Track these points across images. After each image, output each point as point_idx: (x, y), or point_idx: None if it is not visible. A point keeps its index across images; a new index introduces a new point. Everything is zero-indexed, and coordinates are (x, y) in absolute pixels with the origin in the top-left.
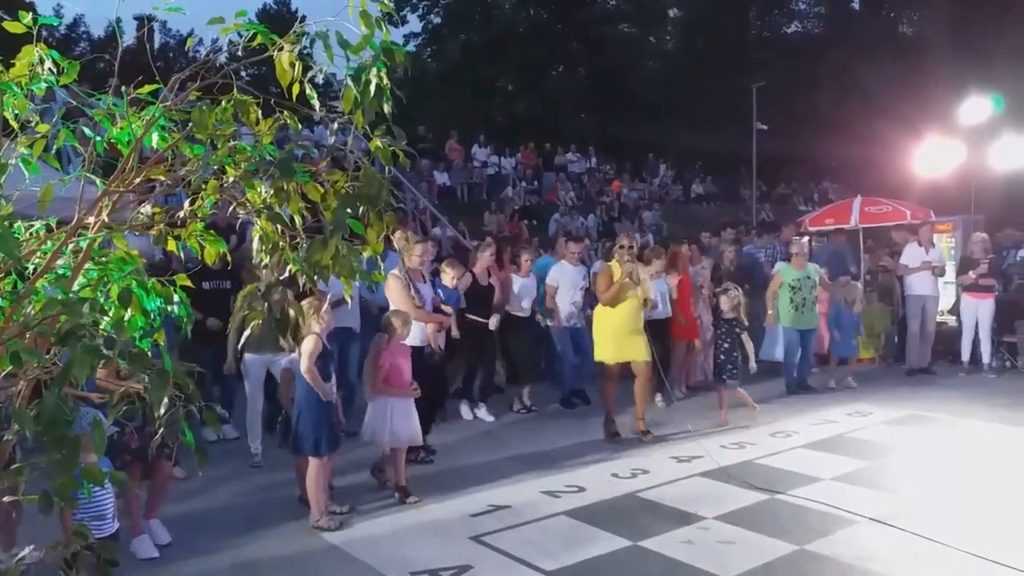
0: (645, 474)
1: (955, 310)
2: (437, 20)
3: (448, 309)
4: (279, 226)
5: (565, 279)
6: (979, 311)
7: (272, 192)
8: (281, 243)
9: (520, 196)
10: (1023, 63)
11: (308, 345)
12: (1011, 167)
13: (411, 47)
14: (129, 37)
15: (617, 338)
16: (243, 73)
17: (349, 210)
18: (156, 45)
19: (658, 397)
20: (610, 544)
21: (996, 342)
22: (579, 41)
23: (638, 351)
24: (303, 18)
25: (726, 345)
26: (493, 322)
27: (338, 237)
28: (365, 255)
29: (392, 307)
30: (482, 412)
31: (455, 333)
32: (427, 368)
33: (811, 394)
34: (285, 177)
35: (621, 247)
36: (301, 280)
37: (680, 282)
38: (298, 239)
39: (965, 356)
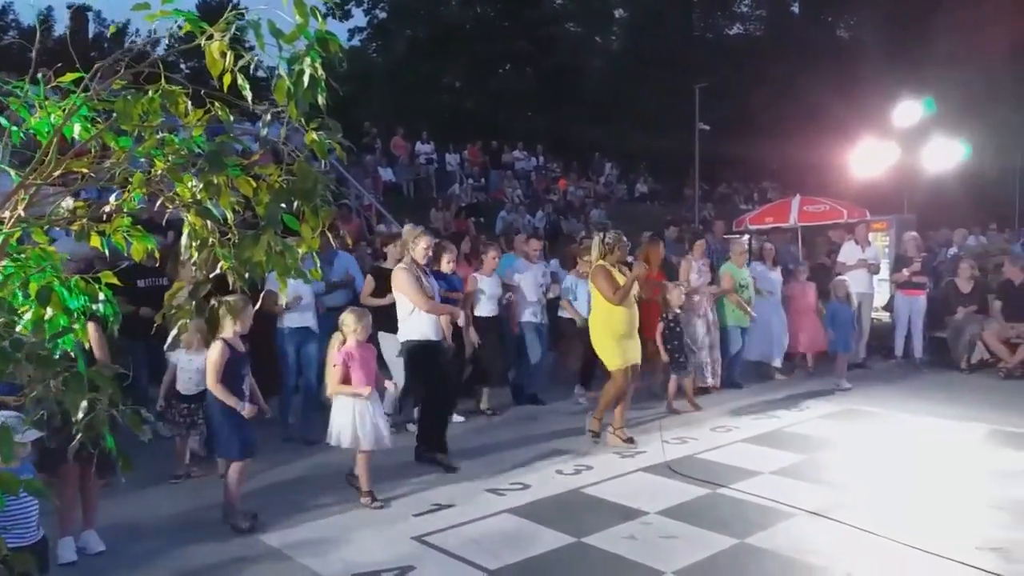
0: (589, 470)
1: (889, 307)
2: (383, 15)
3: (457, 296)
4: (209, 222)
5: (528, 277)
6: (912, 308)
7: (201, 186)
8: (211, 239)
9: (467, 193)
10: (953, 69)
11: (213, 354)
12: (941, 168)
13: (356, 42)
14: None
15: (623, 341)
16: (183, 65)
17: (284, 205)
18: (90, 35)
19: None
20: (554, 541)
21: (928, 337)
22: (526, 39)
23: (637, 353)
24: (234, 5)
25: (675, 340)
26: (463, 321)
27: (270, 233)
28: (301, 251)
29: (399, 303)
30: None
31: (461, 322)
32: (444, 363)
33: (739, 389)
34: (215, 171)
35: (606, 244)
36: (231, 279)
37: (656, 280)
38: (230, 235)
39: (898, 351)
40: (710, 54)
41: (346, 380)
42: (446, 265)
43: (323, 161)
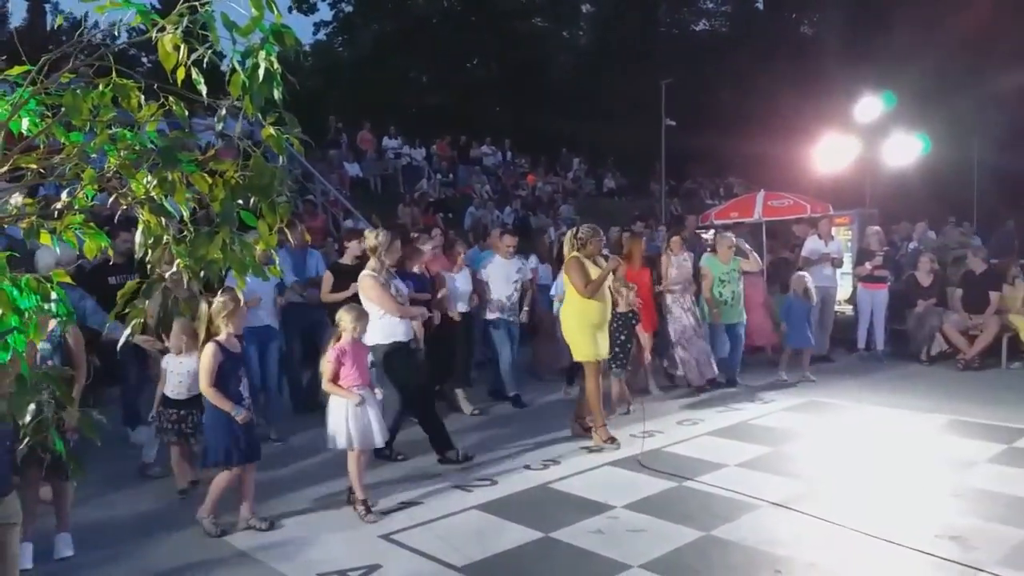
0: (556, 465)
1: (852, 300)
2: (349, 9)
3: (426, 297)
4: (164, 219)
5: (499, 273)
6: (874, 301)
7: (155, 183)
8: (166, 237)
9: (435, 188)
10: (913, 64)
11: (206, 357)
12: (901, 163)
13: (321, 36)
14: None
15: (595, 333)
16: (145, 59)
17: (241, 201)
18: (49, 27)
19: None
20: (521, 537)
21: (889, 330)
22: (493, 34)
23: (607, 347)
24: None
25: (622, 337)
26: (436, 318)
27: (226, 230)
28: (259, 248)
29: (368, 308)
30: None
31: (436, 320)
32: (416, 364)
33: (739, 388)
34: (168, 166)
35: (578, 238)
36: (185, 277)
37: (639, 275)
38: (186, 232)
39: (861, 343)
40: (676, 50)
41: (338, 377)
42: (415, 266)
43: (283, 156)
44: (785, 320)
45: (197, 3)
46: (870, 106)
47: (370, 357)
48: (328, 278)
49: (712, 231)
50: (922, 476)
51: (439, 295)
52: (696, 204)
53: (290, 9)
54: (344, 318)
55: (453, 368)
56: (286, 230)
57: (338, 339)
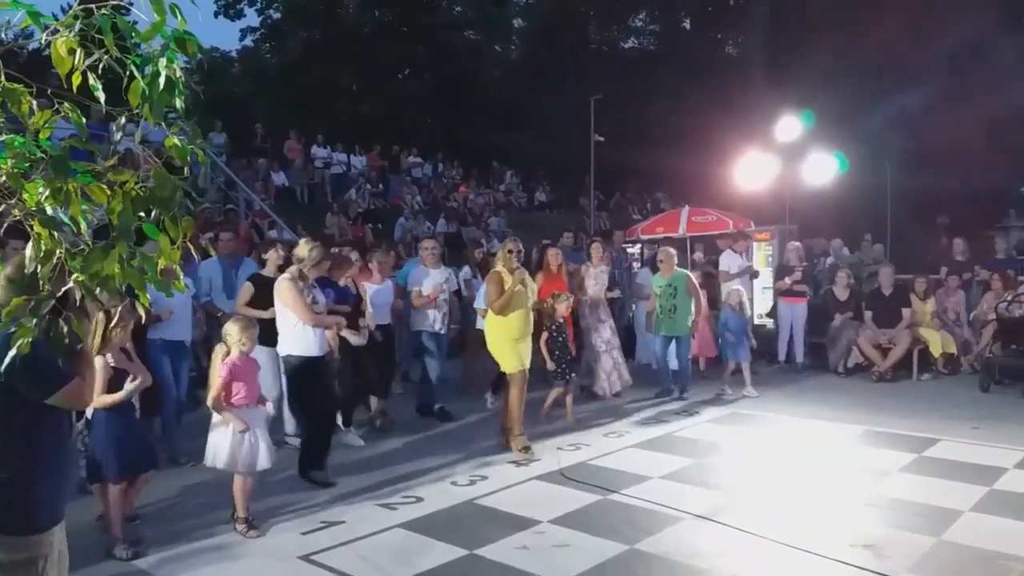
0: (484, 480)
1: (773, 313)
2: (276, 16)
3: (346, 309)
4: (55, 232)
5: (426, 283)
6: (794, 314)
7: (48, 193)
8: (58, 251)
9: (364, 199)
10: (831, 86)
11: (99, 373)
12: (820, 181)
13: (248, 42)
14: None
15: (516, 344)
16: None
17: (143, 214)
18: None
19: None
20: (445, 555)
21: (808, 343)
22: (425, 45)
23: (525, 359)
24: (81, 0)
25: (557, 351)
26: (364, 334)
27: (123, 244)
28: (161, 264)
29: (282, 315)
30: (351, 438)
31: (354, 340)
32: (328, 379)
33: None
34: (61, 176)
35: (509, 252)
36: (77, 293)
37: (555, 286)
38: (82, 247)
39: (781, 356)
40: (606, 66)
41: (228, 394)
42: (342, 278)
43: (205, 164)
44: (723, 334)
45: (94, 6)
46: (790, 125)
47: (282, 366)
48: (248, 289)
49: (639, 245)
50: (839, 486)
51: (369, 308)
52: (625, 219)
53: (215, 14)
54: (231, 330)
55: (384, 381)
56: (189, 245)
57: (227, 353)
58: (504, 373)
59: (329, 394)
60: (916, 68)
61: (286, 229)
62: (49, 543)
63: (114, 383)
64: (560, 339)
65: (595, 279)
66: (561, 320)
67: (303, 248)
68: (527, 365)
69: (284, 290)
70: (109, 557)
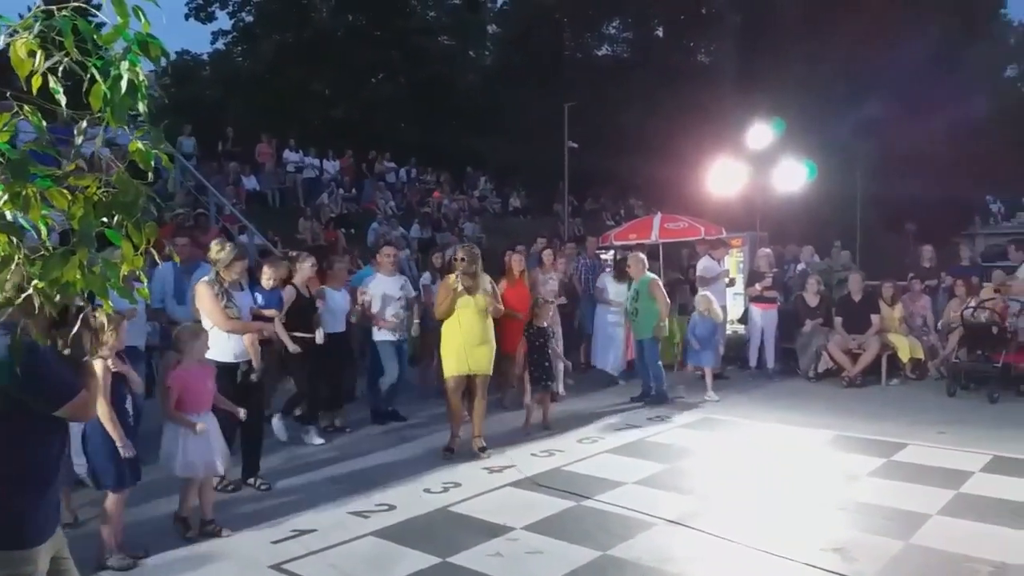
0: (457, 487)
1: (744, 319)
2: (249, 19)
3: (271, 313)
4: (14, 238)
5: (380, 290)
6: (765, 320)
7: (7, 197)
8: (17, 257)
9: (337, 203)
10: (801, 94)
11: (101, 377)
12: (790, 188)
13: (220, 45)
14: None
15: (460, 350)
16: None
17: (105, 219)
18: None
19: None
20: (418, 563)
21: (779, 348)
22: (399, 50)
23: (478, 363)
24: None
25: (535, 356)
26: (320, 335)
27: (84, 250)
28: (124, 270)
29: (201, 319)
30: (313, 436)
31: (293, 348)
32: (242, 389)
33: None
34: (19, 180)
35: (460, 260)
36: (37, 301)
37: (516, 291)
38: (42, 252)
39: (752, 361)
40: (580, 73)
41: (179, 403)
42: (267, 282)
43: (170, 169)
44: (691, 339)
45: (55, 8)
46: (761, 133)
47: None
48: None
49: (612, 251)
50: (809, 490)
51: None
52: (598, 225)
53: (186, 17)
54: (181, 338)
55: (341, 388)
56: (153, 251)
57: (178, 362)
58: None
59: (251, 401)
60: (884, 77)
61: (257, 234)
62: (34, 562)
63: (115, 388)
64: (538, 343)
65: (544, 285)
66: (544, 326)
67: (215, 249)
68: (475, 371)
69: (200, 296)
70: (100, 568)
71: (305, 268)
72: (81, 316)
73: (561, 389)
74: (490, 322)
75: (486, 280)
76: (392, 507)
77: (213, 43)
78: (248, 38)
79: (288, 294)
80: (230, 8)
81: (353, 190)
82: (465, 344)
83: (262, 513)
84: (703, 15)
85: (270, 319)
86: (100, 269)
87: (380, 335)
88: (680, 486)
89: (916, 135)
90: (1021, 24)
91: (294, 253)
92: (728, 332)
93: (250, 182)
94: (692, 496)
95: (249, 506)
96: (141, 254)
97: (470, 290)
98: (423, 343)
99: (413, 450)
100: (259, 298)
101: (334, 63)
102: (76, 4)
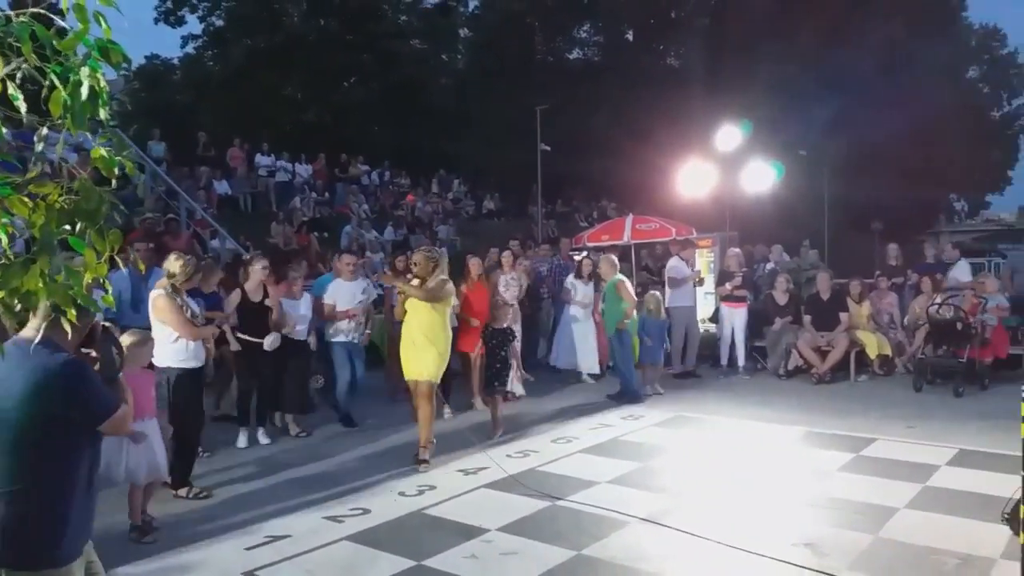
0: (432, 490)
1: (715, 318)
2: (219, 23)
3: (218, 315)
4: None
5: (342, 295)
6: (735, 319)
7: None
8: None
9: (310, 207)
10: (770, 95)
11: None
12: (758, 189)
13: (190, 49)
14: None
15: (408, 351)
16: None
17: (68, 227)
18: None
19: (446, 409)
20: (392, 566)
21: (749, 346)
22: (371, 54)
23: (416, 368)
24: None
25: (502, 354)
26: (268, 341)
27: (45, 259)
28: (87, 278)
29: (158, 328)
30: (260, 435)
31: (235, 346)
32: (200, 395)
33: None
34: None
35: (413, 264)
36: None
37: (475, 294)
38: (3, 260)
39: (723, 360)
40: (551, 76)
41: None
42: (207, 285)
43: (134, 176)
44: (642, 337)
45: (12, 13)
46: (730, 135)
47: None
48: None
49: (585, 253)
50: (780, 486)
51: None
52: (572, 226)
53: (156, 21)
54: (124, 344)
55: (284, 393)
56: (116, 258)
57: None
58: (450, 378)
59: (202, 409)
60: (849, 77)
61: (229, 239)
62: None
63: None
64: (492, 345)
65: (505, 286)
66: (503, 327)
67: (174, 263)
68: (421, 376)
69: (161, 307)
70: None
71: (256, 271)
72: (108, 335)
73: (519, 390)
74: (439, 326)
75: (441, 282)
76: (367, 511)
77: (183, 47)
78: (219, 42)
79: (234, 297)
80: (200, 12)
81: (326, 194)
82: (412, 345)
83: (233, 519)
84: (672, 19)
85: (212, 321)
86: (63, 278)
87: (334, 336)
88: (652, 484)
89: (881, 135)
90: (982, 27)
91: (247, 256)
92: (699, 331)
93: (222, 186)
94: (665, 494)
95: (221, 512)
96: (104, 262)
97: (407, 289)
98: (392, 344)
99: (388, 454)
100: (201, 303)
101: (306, 67)
102: (35, 10)
